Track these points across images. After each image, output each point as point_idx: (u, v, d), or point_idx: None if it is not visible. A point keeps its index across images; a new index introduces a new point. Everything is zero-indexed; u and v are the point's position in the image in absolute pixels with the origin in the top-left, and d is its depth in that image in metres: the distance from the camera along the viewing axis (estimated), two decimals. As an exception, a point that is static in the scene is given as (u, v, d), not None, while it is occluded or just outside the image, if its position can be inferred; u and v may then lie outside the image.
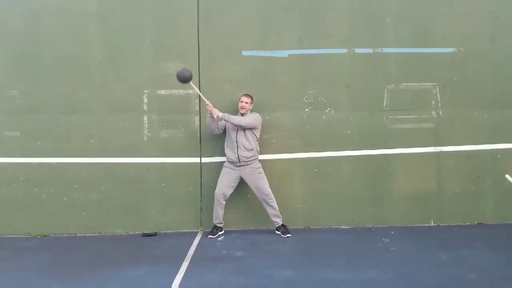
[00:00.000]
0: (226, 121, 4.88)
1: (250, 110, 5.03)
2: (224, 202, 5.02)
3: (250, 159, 4.94)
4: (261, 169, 5.03)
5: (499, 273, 3.83)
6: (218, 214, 5.04)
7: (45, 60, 5.20)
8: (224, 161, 5.10)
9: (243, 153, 4.89)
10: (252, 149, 4.94)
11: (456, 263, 4.09)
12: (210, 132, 5.10)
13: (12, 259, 4.46)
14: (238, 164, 4.93)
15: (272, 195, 4.99)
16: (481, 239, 4.78)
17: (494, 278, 3.72)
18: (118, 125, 5.23)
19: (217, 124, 5.01)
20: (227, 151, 5.02)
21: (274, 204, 5.01)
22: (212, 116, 4.91)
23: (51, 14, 5.20)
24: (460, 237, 4.87)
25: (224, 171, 5.04)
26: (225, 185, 4.99)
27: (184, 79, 4.69)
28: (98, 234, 5.24)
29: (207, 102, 4.90)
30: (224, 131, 5.07)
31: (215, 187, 5.11)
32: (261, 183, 4.97)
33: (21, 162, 5.23)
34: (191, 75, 4.71)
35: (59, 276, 3.98)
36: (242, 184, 5.09)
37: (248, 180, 5.00)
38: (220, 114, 4.87)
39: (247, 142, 4.91)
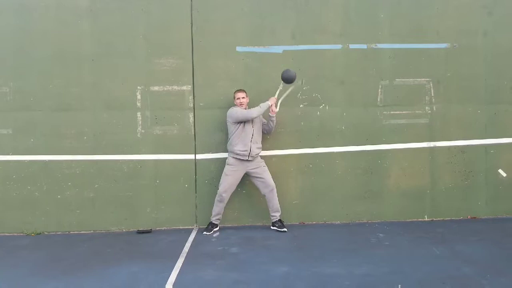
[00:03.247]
0: (259, 114, 4.89)
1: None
2: (227, 201, 5.02)
3: (258, 154, 4.98)
4: (264, 163, 5.05)
5: (492, 267, 3.87)
6: (219, 212, 5.03)
7: (37, 57, 5.15)
8: (220, 158, 5.09)
9: (255, 146, 4.91)
10: (261, 145, 5.01)
11: (450, 257, 4.12)
12: (270, 132, 5.07)
13: (6, 257, 4.43)
14: (247, 159, 4.90)
15: (275, 189, 5.00)
16: (475, 233, 4.82)
17: (488, 272, 3.75)
18: (112, 122, 5.20)
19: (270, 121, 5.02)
20: (237, 145, 4.88)
21: (276, 197, 5.02)
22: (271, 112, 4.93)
23: (43, 10, 5.14)
24: (454, 231, 4.91)
25: (230, 169, 4.96)
26: (231, 184, 4.96)
27: (289, 79, 4.82)
28: (92, 231, 5.22)
29: (276, 97, 4.94)
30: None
31: (210, 184, 5.11)
32: (267, 176, 4.98)
33: (14, 159, 5.18)
34: (295, 76, 4.86)
35: (54, 273, 3.96)
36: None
37: (254, 173, 4.97)
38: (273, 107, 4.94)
39: (259, 138, 4.97)
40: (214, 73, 5.22)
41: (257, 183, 5.03)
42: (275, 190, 5.00)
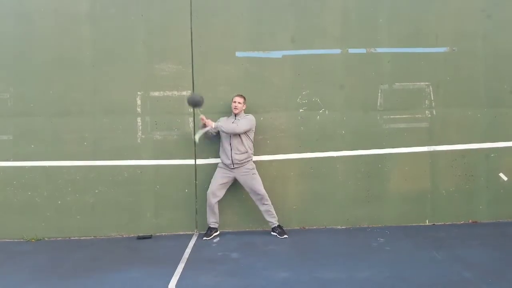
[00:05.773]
0: (221, 130, 4.90)
1: (244, 110, 5.03)
2: (216, 203, 5.00)
3: (244, 161, 4.94)
4: (255, 170, 5.02)
5: (494, 271, 3.85)
6: (212, 215, 5.03)
7: (38, 62, 5.17)
8: (219, 162, 5.10)
9: (237, 157, 4.90)
10: (246, 152, 4.94)
11: (451, 262, 4.10)
12: (207, 140, 5.08)
13: (6, 263, 4.43)
14: (232, 167, 4.93)
15: (266, 196, 4.98)
16: (476, 237, 4.80)
17: (489, 276, 3.74)
18: (112, 127, 5.21)
19: (211, 132, 5.01)
20: (221, 155, 5.01)
21: (269, 204, 5.00)
22: (205, 127, 4.92)
23: (43, 16, 5.17)
24: (455, 235, 4.89)
25: (218, 171, 5.03)
26: (217, 186, 4.98)
27: (195, 103, 4.79)
28: (92, 237, 5.21)
29: (202, 115, 4.89)
30: (218, 134, 5.05)
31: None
32: (255, 184, 4.96)
33: (14, 165, 5.19)
34: (202, 100, 4.80)
35: (54, 279, 3.96)
36: (236, 185, 5.09)
37: (242, 181, 4.99)
38: (214, 124, 4.90)
39: (242, 146, 4.92)
40: (213, 78, 5.23)
41: (247, 189, 5.03)
42: (265, 197, 4.96)
